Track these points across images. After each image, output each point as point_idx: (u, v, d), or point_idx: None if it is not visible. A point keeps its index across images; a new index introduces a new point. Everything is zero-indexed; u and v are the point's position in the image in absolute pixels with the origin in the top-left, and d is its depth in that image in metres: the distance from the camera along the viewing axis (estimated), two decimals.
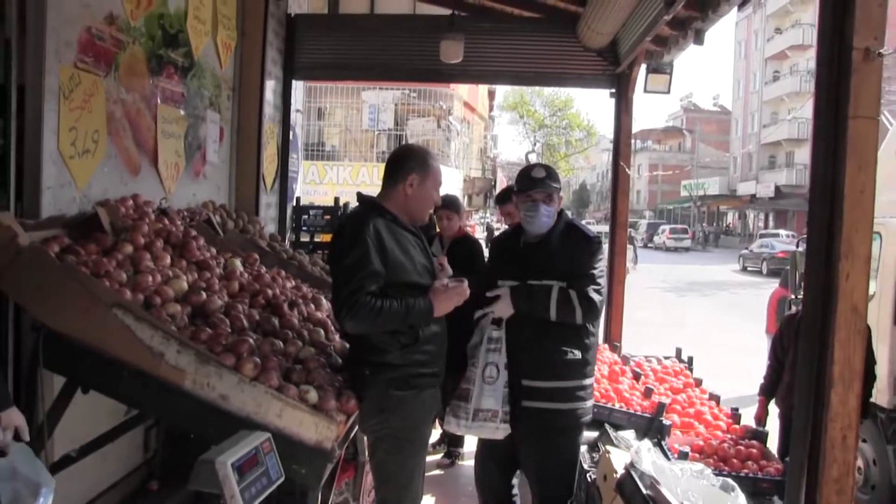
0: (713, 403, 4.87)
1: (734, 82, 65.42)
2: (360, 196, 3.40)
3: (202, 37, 5.25)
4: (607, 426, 4.05)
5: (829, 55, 2.17)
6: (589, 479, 3.61)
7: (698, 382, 5.31)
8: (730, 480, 2.94)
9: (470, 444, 6.09)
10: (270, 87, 6.33)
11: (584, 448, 4.01)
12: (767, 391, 5.16)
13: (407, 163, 3.31)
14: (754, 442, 4.13)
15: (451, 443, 6.11)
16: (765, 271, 31.11)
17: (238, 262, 4.05)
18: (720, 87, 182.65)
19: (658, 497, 2.63)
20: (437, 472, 5.88)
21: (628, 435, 3.95)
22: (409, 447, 3.20)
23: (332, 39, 6.93)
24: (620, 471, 3.05)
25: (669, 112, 75.60)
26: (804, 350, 2.25)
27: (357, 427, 3.33)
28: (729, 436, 4.25)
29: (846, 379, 2.14)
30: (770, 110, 56.92)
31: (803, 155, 51.67)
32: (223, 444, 2.65)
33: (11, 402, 2.46)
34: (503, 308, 3.54)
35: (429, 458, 6.02)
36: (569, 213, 3.95)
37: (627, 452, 3.45)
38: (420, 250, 3.29)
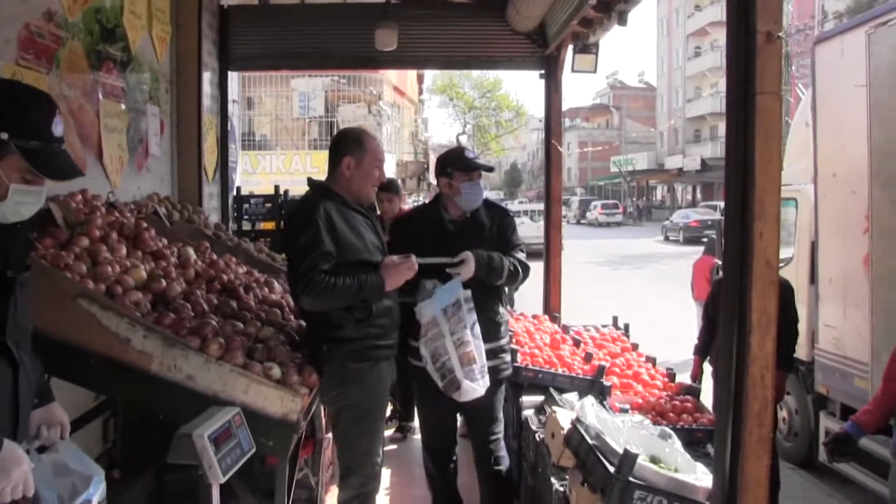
0: (649, 365, 5.16)
1: (658, 59, 66.74)
2: (310, 181, 3.57)
3: (138, 31, 5.30)
4: (552, 390, 4.29)
5: (736, 38, 2.41)
6: (538, 439, 3.86)
7: (635, 347, 5.61)
8: (667, 429, 3.22)
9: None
10: (207, 79, 6.39)
11: (530, 411, 4.27)
12: (701, 351, 5.50)
13: (340, 146, 3.50)
14: (688, 397, 4.43)
15: (403, 417, 6.33)
16: (682, 240, 33.86)
17: (191, 251, 4.17)
18: (645, 63, 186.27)
19: (603, 445, 2.88)
20: (391, 446, 6.09)
21: (572, 397, 4.20)
22: (369, 416, 3.40)
23: (265, 30, 7.00)
24: (567, 426, 3.29)
25: (597, 90, 76.96)
26: (726, 301, 2.51)
27: (315, 404, 3.52)
28: (665, 393, 4.54)
29: (763, 325, 2.40)
30: (693, 85, 58.31)
31: None
32: (196, 419, 2.80)
33: (54, 397, 2.40)
34: (467, 272, 3.70)
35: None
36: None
37: (572, 411, 3.71)
38: (370, 229, 3.48)
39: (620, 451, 2.75)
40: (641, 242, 34.65)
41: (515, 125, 46.51)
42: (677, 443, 3.15)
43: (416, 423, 6.27)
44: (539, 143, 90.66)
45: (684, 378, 5.29)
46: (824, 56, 6.04)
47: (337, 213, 3.32)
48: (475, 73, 45.25)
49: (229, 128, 7.36)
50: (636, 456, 2.70)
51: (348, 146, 3.47)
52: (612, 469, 2.73)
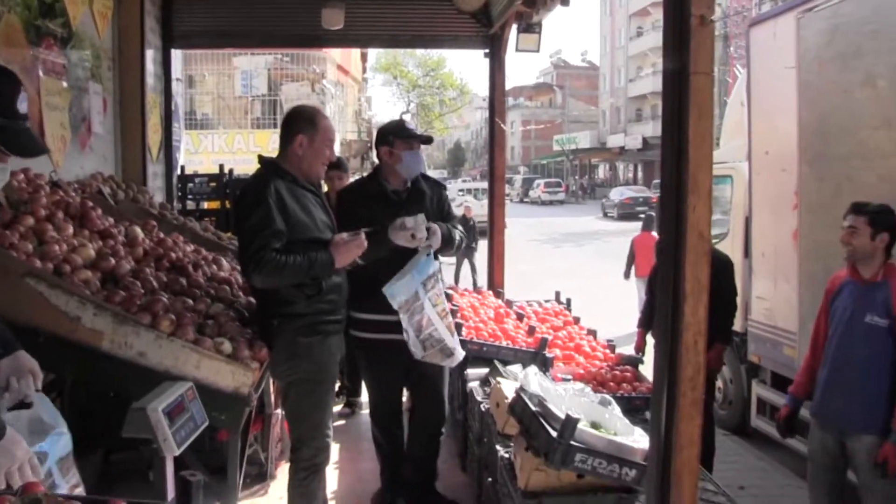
0: (591, 338, 5.33)
1: (601, 38, 67.30)
2: (261, 158, 3.61)
3: (79, 6, 5.21)
4: (496, 362, 4.43)
5: (672, 21, 2.53)
6: (482, 409, 3.98)
7: (576, 320, 5.77)
8: (607, 396, 3.37)
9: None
10: (150, 57, 6.32)
11: (475, 384, 4.39)
12: (645, 324, 5.68)
13: (293, 124, 3.53)
14: (628, 367, 4.60)
15: (351, 393, 6.40)
16: (616, 216, 36.04)
17: (139, 229, 4.17)
18: (588, 43, 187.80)
19: (545, 412, 3.01)
20: (339, 421, 6.17)
21: (516, 368, 4.33)
22: (319, 388, 3.47)
23: (210, 7, 6.93)
24: (511, 396, 3.42)
25: (540, 68, 77.34)
26: (662, 272, 2.65)
27: (265, 380, 3.59)
28: (606, 364, 4.70)
29: (695, 293, 2.54)
30: (635, 65, 58.98)
31: None
32: (150, 394, 2.84)
33: (20, 346, 2.27)
34: (436, 242, 3.78)
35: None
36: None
37: (516, 382, 3.84)
38: (320, 208, 3.54)
39: (562, 416, 2.87)
40: (584, 220, 35.18)
41: (459, 104, 46.52)
42: (617, 409, 3.29)
43: (364, 398, 6.39)
44: (482, 122, 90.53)
45: (625, 350, 5.47)
46: (758, 38, 6.25)
47: (287, 192, 3.37)
48: (419, 51, 45.14)
49: (173, 107, 7.29)
50: (577, 420, 2.83)
51: (302, 125, 3.50)
52: (554, 433, 2.86)
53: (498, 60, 6.81)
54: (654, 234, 8.70)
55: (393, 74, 46.01)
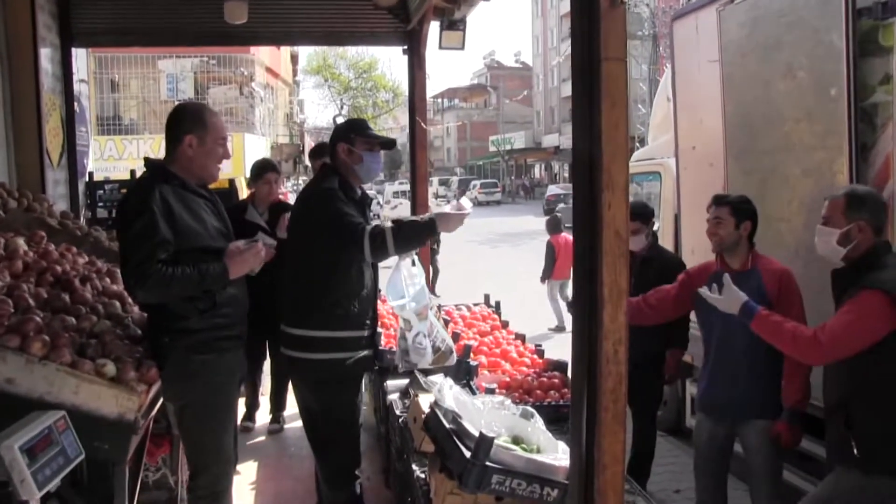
0: (519, 342, 5.12)
1: (533, 39, 67.77)
2: (147, 161, 3.30)
3: None
4: (417, 373, 4.18)
5: (580, 4, 2.33)
6: (402, 424, 3.74)
7: (505, 324, 5.57)
8: (529, 408, 3.15)
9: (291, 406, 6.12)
10: (46, 56, 5.91)
11: (395, 395, 4.14)
12: None
13: (181, 124, 3.23)
14: (555, 373, 4.40)
15: (276, 408, 6.07)
16: (543, 213, 36.33)
17: (21, 241, 3.82)
18: (521, 44, 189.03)
19: (459, 430, 2.78)
20: (260, 437, 5.87)
21: (437, 379, 4.10)
22: (216, 411, 3.19)
23: (112, 3, 6.53)
24: (427, 410, 3.18)
25: (474, 70, 77.40)
26: (577, 275, 2.44)
27: (162, 398, 3.28)
28: (533, 370, 4.50)
29: (614, 298, 2.34)
30: (569, 65, 59.11)
31: None
32: (10, 428, 2.52)
33: None
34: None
35: (258, 425, 6.02)
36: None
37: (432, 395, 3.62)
38: (213, 214, 3.25)
39: (476, 434, 2.65)
40: (521, 220, 35.21)
41: (393, 106, 46.08)
42: (539, 422, 3.09)
43: (289, 412, 6.10)
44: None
45: (554, 350, 5.27)
46: (681, 32, 6.14)
47: (175, 197, 3.08)
48: (350, 53, 44.67)
49: (77, 109, 6.87)
50: (492, 439, 2.61)
51: (189, 124, 3.20)
52: (468, 454, 2.63)
53: (417, 57, 6.57)
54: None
55: (324, 77, 45.37)
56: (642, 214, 5.03)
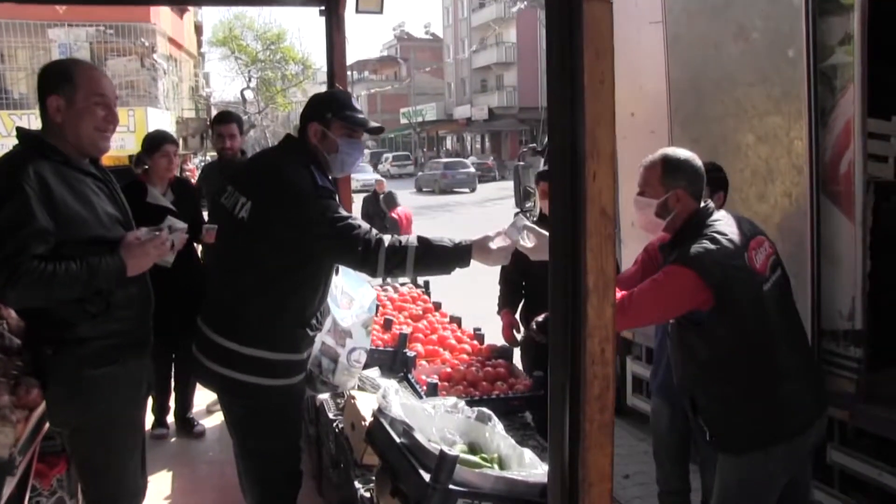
0: (455, 326, 4.74)
1: (443, 10, 67.03)
2: (19, 132, 2.71)
3: None
4: None
5: None
6: (336, 429, 3.29)
7: (437, 306, 5.17)
8: (485, 410, 2.76)
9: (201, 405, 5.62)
10: None
11: (327, 395, 3.69)
12: (509, 303, 5.10)
13: (45, 86, 2.65)
14: (501, 361, 4.04)
15: (182, 410, 5.50)
16: (437, 190, 37.88)
17: None
18: (431, 15, 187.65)
19: (413, 445, 2.36)
20: (176, 444, 5.33)
21: (373, 373, 3.69)
22: (118, 433, 2.68)
23: None
24: (369, 417, 2.76)
25: (384, 42, 76.24)
26: (555, 264, 2.04)
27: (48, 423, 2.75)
28: (476, 358, 4.13)
29: (601, 288, 1.96)
30: (479, 36, 59.16)
31: (512, 77, 54.55)
32: None
33: None
34: None
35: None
36: None
37: (374, 395, 3.19)
38: (106, 196, 2.69)
39: (435, 450, 2.24)
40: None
41: (303, 78, 44.70)
42: (498, 426, 2.72)
43: (198, 408, 5.58)
44: None
45: (492, 331, 4.89)
46: None
47: (55, 177, 2.51)
48: (258, 24, 43.05)
49: None
50: (455, 458, 2.20)
51: (54, 83, 2.62)
52: (426, 475, 2.22)
53: (336, 18, 5.99)
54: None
55: (231, 49, 43.62)
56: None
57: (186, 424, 5.43)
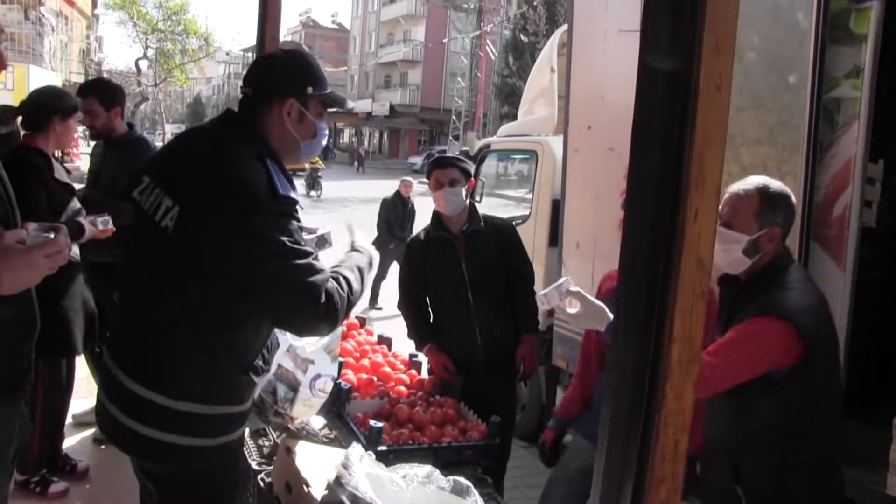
0: (385, 349, 4.17)
1: (353, 1, 66.12)
2: None
3: None
4: (264, 396, 3.10)
5: None
6: (262, 484, 2.65)
7: (362, 322, 4.58)
8: (461, 480, 2.21)
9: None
10: None
11: (246, 432, 3.04)
12: (428, 337, 4.47)
13: None
14: (447, 399, 3.50)
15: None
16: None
17: None
18: (339, 5, 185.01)
19: None
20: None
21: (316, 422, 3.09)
22: None
23: None
24: (316, 486, 2.16)
25: (288, 27, 74.43)
26: (625, 330, 1.51)
27: None
28: (418, 392, 3.57)
29: (684, 364, 1.46)
30: (387, 31, 58.57)
31: (416, 76, 54.19)
32: None
33: None
34: None
35: None
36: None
37: (313, 443, 2.60)
38: None
39: None
40: (332, 185, 33.93)
41: (202, 54, 42.83)
42: (478, 498, 2.18)
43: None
44: (225, 77, 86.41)
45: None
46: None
47: None
48: None
49: None
50: None
51: None
52: None
53: None
54: None
55: (129, 14, 41.30)
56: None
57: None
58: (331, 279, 2.09)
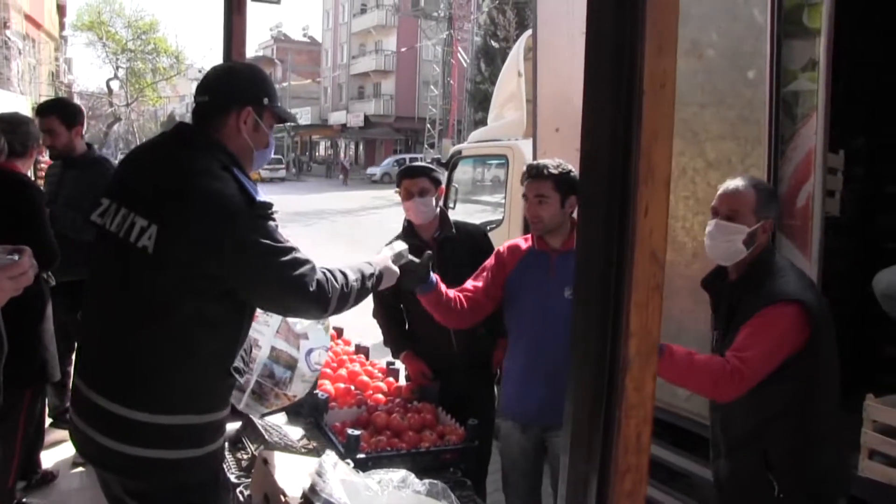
0: (363, 358, 4.19)
1: (324, 14, 66.19)
2: None
3: None
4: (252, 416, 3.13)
5: None
6: (241, 497, 2.67)
7: (339, 332, 4.58)
8: (438, 483, 2.24)
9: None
10: None
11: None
12: (404, 345, 4.49)
13: None
14: (425, 405, 3.52)
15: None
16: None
17: None
18: (309, 18, 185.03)
19: None
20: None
21: (279, 420, 3.10)
22: None
23: None
24: (293, 495, 2.18)
25: (259, 41, 74.28)
26: (583, 322, 1.55)
27: None
28: (395, 399, 3.59)
29: (643, 354, 1.49)
30: (358, 42, 58.63)
31: (389, 86, 54.25)
32: None
33: None
34: None
35: None
36: None
37: (291, 454, 2.62)
38: None
39: None
40: (309, 199, 33.89)
41: (174, 72, 42.67)
42: (454, 500, 2.21)
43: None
44: None
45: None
46: (548, 1, 5.40)
47: None
48: (128, 10, 40.95)
49: None
50: None
51: None
52: None
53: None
54: None
55: (98, 34, 41.03)
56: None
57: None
58: (321, 270, 2.19)
